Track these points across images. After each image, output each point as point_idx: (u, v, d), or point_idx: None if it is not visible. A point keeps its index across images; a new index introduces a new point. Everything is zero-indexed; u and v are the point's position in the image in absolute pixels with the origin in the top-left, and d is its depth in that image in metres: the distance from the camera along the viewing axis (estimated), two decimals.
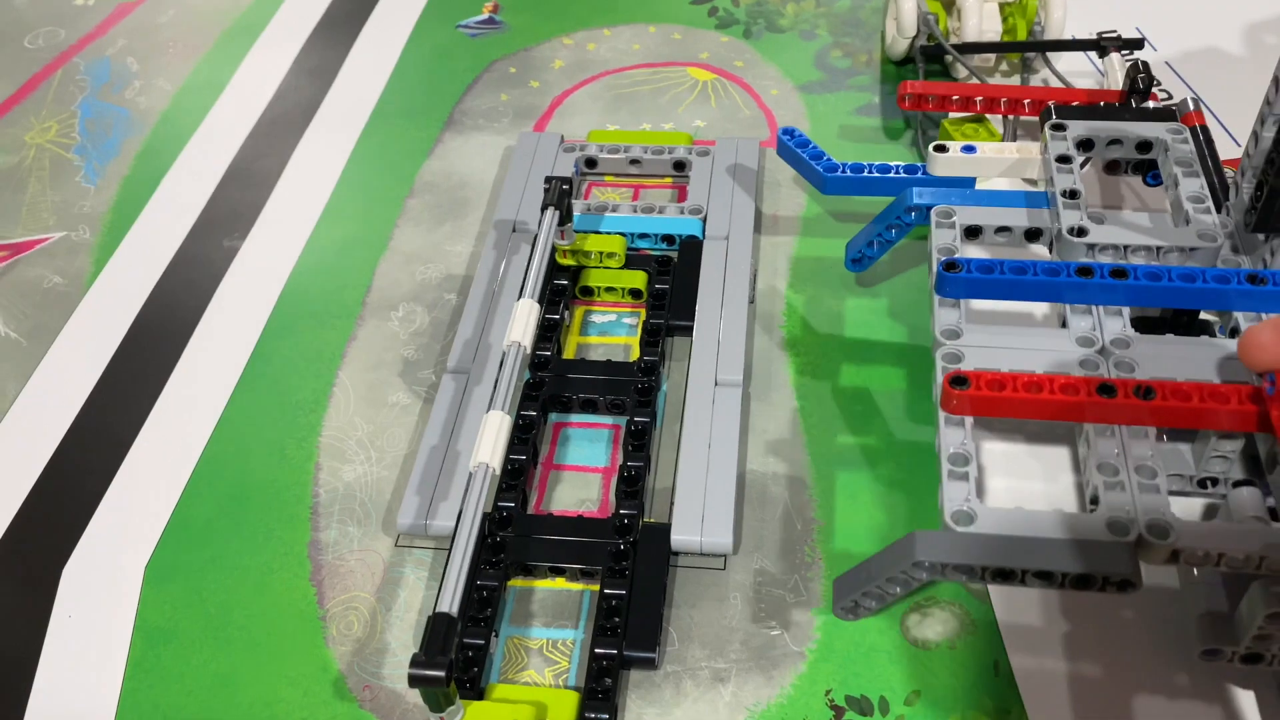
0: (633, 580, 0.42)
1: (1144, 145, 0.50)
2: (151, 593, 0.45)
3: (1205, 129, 0.52)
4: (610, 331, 0.54)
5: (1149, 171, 0.53)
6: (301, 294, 0.58)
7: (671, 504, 0.45)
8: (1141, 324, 0.46)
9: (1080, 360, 0.41)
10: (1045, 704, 0.39)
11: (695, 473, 0.46)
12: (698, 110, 0.68)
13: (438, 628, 0.37)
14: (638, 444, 0.47)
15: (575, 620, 0.43)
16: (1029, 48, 0.67)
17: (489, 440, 0.43)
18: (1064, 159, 0.48)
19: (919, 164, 0.53)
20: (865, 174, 0.53)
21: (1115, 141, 0.50)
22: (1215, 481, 0.42)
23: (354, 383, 0.53)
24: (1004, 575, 0.36)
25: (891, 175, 0.52)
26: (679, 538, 0.44)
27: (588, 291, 0.55)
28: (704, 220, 0.57)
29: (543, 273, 0.50)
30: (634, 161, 0.62)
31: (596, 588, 0.44)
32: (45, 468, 0.50)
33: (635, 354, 0.53)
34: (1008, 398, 0.37)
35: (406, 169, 0.65)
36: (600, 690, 0.39)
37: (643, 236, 0.57)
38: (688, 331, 0.52)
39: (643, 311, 0.55)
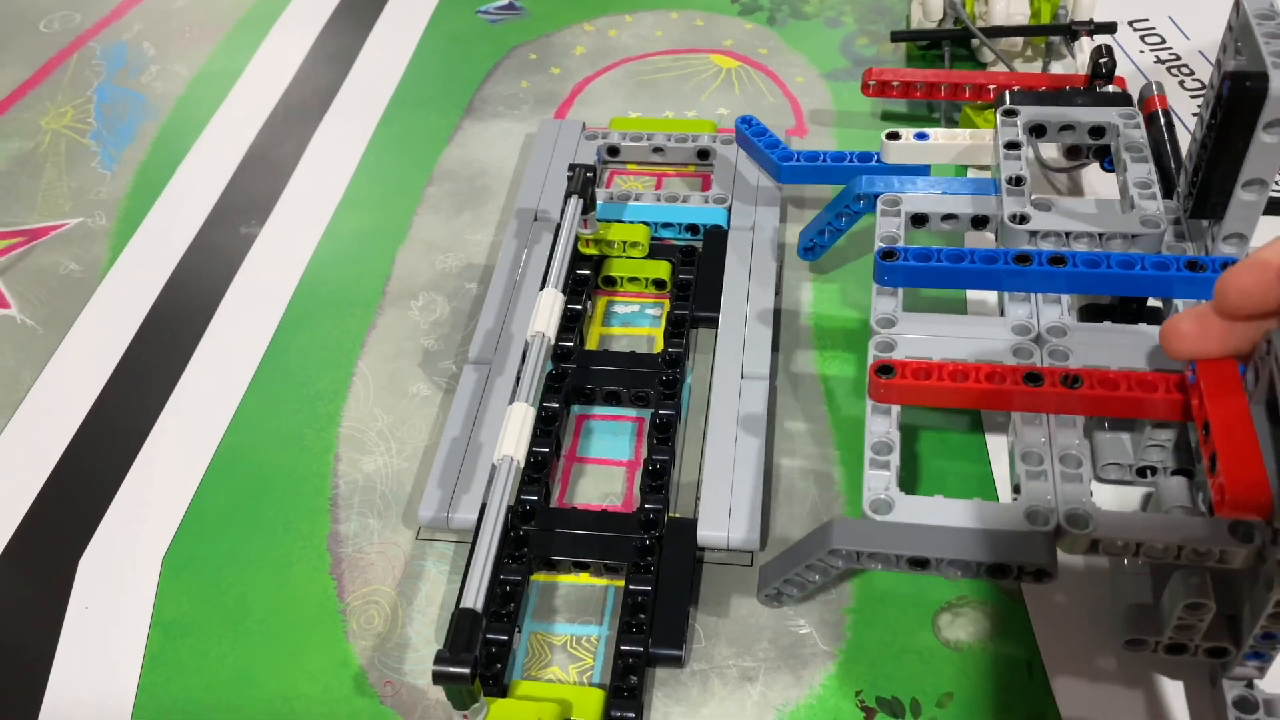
0: (658, 576, 0.41)
1: (1097, 130, 0.49)
2: (169, 585, 0.44)
3: (1166, 114, 0.51)
4: (633, 323, 0.54)
5: (1106, 157, 0.52)
6: (320, 283, 0.57)
7: (697, 499, 0.44)
8: (1090, 311, 0.46)
9: (1014, 348, 0.41)
10: (1080, 707, 0.38)
11: (721, 467, 0.45)
12: (721, 98, 0.67)
13: (462, 624, 0.36)
14: (662, 437, 0.46)
15: (599, 616, 0.42)
16: (995, 34, 0.66)
17: (513, 433, 0.42)
18: (1012, 145, 0.47)
19: (873, 151, 0.52)
20: (820, 162, 0.53)
21: (1067, 127, 0.49)
22: (1154, 470, 0.42)
23: (374, 373, 0.52)
24: (920, 564, 0.36)
25: (846, 163, 0.52)
26: (705, 534, 0.43)
27: (610, 282, 0.55)
28: (729, 209, 0.56)
29: (566, 262, 0.50)
30: (657, 149, 0.61)
31: (621, 583, 0.43)
32: (61, 457, 0.49)
33: (659, 345, 0.52)
34: (933, 386, 0.37)
35: (426, 157, 0.64)
36: (626, 688, 0.38)
37: (666, 226, 0.56)
38: (713, 323, 0.51)
39: (666, 302, 0.54)
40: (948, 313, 0.44)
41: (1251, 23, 0.39)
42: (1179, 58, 0.68)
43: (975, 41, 0.66)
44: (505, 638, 0.40)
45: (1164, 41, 0.69)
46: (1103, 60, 0.53)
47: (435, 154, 0.64)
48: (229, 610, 0.43)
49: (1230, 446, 0.28)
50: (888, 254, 0.42)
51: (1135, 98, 0.53)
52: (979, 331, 0.42)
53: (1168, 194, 0.47)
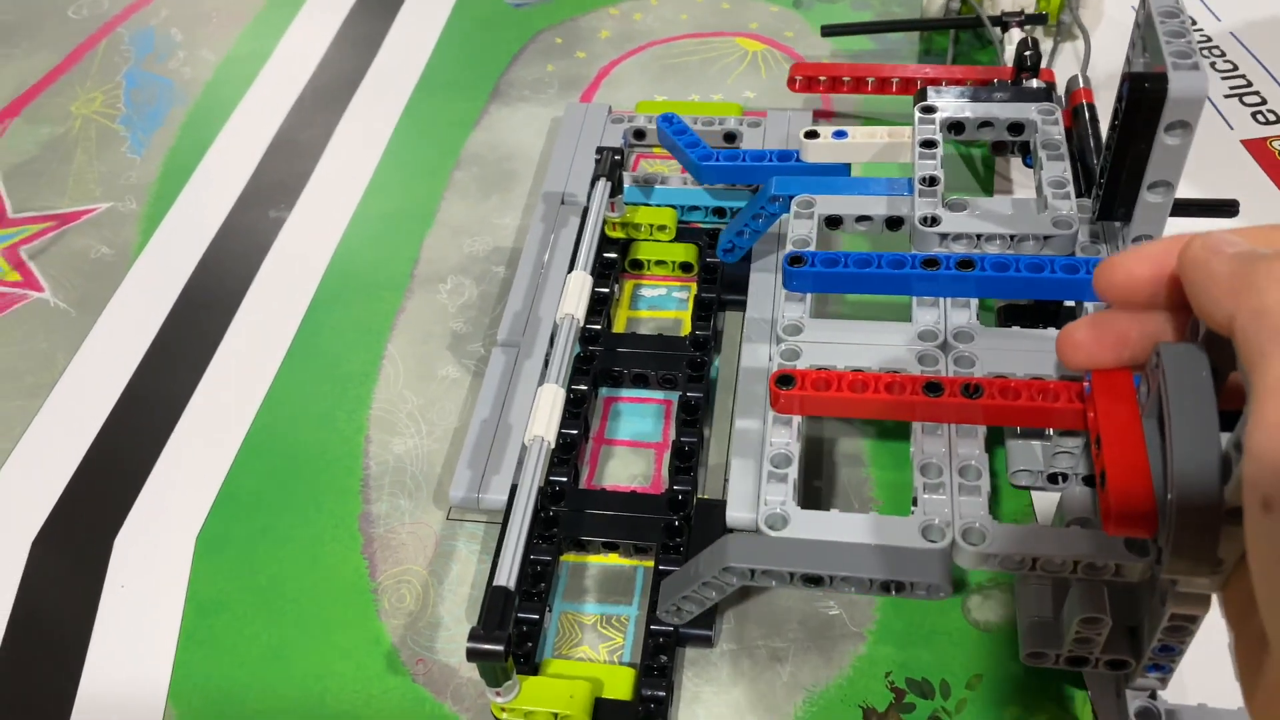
0: (687, 557, 0.42)
1: (1016, 127, 0.48)
2: (202, 564, 0.45)
3: (1092, 107, 0.50)
4: (660, 306, 0.54)
5: (1028, 154, 0.50)
6: (349, 266, 0.57)
7: (725, 480, 0.44)
8: (1009, 312, 0.45)
9: (920, 355, 0.40)
10: (1110, 688, 0.38)
11: (749, 449, 0.45)
12: (747, 81, 0.67)
13: (495, 601, 0.37)
14: (690, 419, 0.46)
15: (629, 596, 0.42)
16: (913, 26, 0.67)
17: (544, 413, 0.42)
18: (928, 144, 0.46)
19: (795, 150, 0.51)
20: (740, 162, 0.51)
21: (986, 124, 0.48)
22: (1066, 477, 0.41)
23: (403, 355, 0.52)
24: (814, 581, 0.35)
25: (766, 163, 0.51)
26: (734, 515, 0.43)
27: (637, 265, 0.55)
28: (755, 193, 0.56)
29: (595, 245, 0.50)
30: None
31: (650, 564, 0.43)
32: (95, 439, 0.50)
33: (686, 329, 0.52)
34: (833, 397, 0.36)
35: (452, 141, 0.64)
36: (656, 667, 0.39)
37: (693, 209, 0.56)
38: (740, 306, 0.51)
39: (693, 285, 0.54)
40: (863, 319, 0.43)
41: (1154, 20, 0.38)
42: (1210, 39, 0.67)
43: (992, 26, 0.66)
44: (536, 617, 0.40)
45: (1194, 23, 0.68)
46: (1027, 53, 0.52)
47: (462, 138, 0.64)
48: (262, 589, 0.44)
49: (1119, 461, 0.27)
50: (795, 259, 0.40)
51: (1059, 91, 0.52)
52: (886, 338, 0.41)
53: (1091, 192, 0.46)
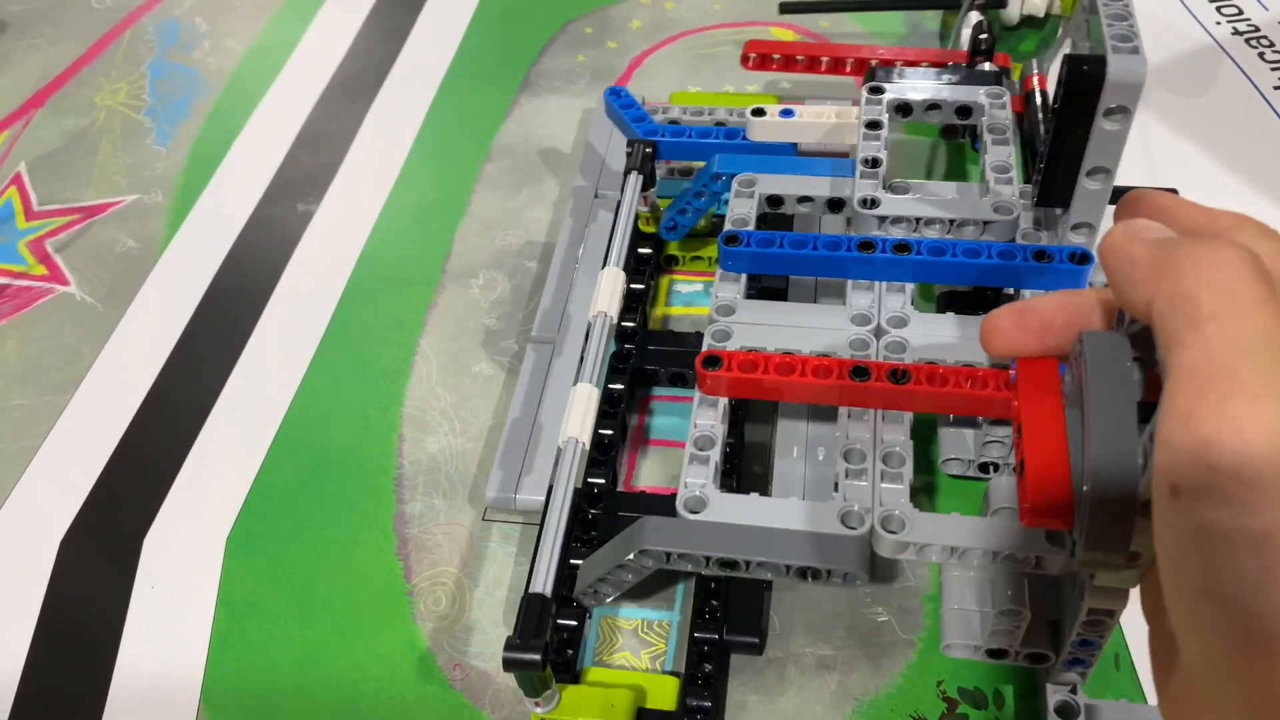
0: None
1: (964, 110, 0.46)
2: (233, 565, 0.44)
3: (1044, 93, 0.49)
4: (696, 302, 0.52)
5: (977, 138, 0.49)
6: (379, 260, 0.56)
7: (768, 480, 0.43)
8: (949, 298, 0.44)
9: (851, 340, 0.39)
10: None
11: (792, 448, 0.44)
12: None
13: (531, 609, 0.35)
14: (731, 419, 0.45)
15: (671, 601, 0.41)
16: (878, 6, 0.67)
17: (578, 414, 0.41)
18: (873, 125, 0.45)
19: (740, 128, 0.50)
20: (685, 138, 0.50)
21: (934, 106, 0.47)
22: (997, 467, 0.41)
23: (435, 352, 0.51)
24: (730, 565, 0.34)
25: (711, 140, 0.50)
26: None
27: (672, 260, 0.53)
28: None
29: (627, 240, 0.48)
30: (719, 124, 0.59)
31: None
32: (123, 436, 0.49)
33: None
34: (759, 379, 0.35)
35: (483, 133, 0.63)
36: (701, 676, 0.38)
37: (728, 201, 0.55)
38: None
39: None
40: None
41: (1098, 2, 0.37)
42: (1258, 29, 0.65)
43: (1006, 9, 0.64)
44: (576, 623, 0.39)
45: (1241, 13, 0.67)
46: (982, 36, 0.51)
47: (493, 130, 0.63)
48: (295, 591, 0.43)
49: (1037, 451, 0.26)
50: (731, 238, 0.40)
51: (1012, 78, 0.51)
52: (819, 321, 0.40)
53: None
